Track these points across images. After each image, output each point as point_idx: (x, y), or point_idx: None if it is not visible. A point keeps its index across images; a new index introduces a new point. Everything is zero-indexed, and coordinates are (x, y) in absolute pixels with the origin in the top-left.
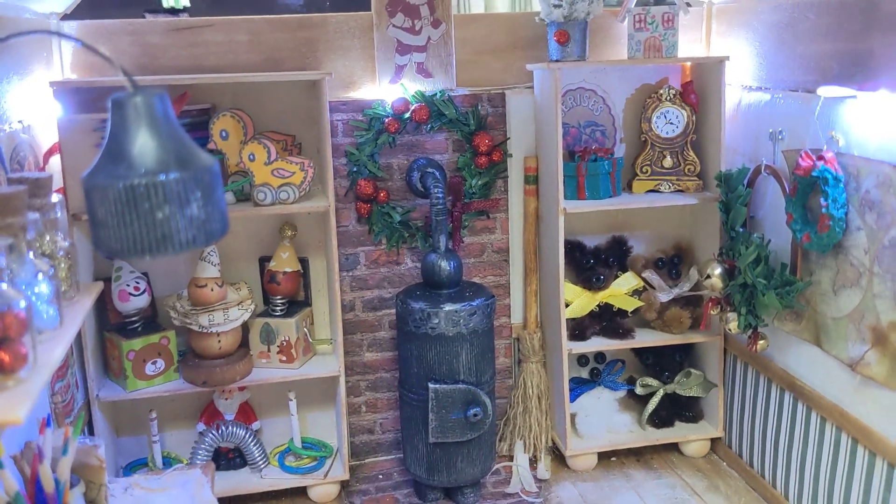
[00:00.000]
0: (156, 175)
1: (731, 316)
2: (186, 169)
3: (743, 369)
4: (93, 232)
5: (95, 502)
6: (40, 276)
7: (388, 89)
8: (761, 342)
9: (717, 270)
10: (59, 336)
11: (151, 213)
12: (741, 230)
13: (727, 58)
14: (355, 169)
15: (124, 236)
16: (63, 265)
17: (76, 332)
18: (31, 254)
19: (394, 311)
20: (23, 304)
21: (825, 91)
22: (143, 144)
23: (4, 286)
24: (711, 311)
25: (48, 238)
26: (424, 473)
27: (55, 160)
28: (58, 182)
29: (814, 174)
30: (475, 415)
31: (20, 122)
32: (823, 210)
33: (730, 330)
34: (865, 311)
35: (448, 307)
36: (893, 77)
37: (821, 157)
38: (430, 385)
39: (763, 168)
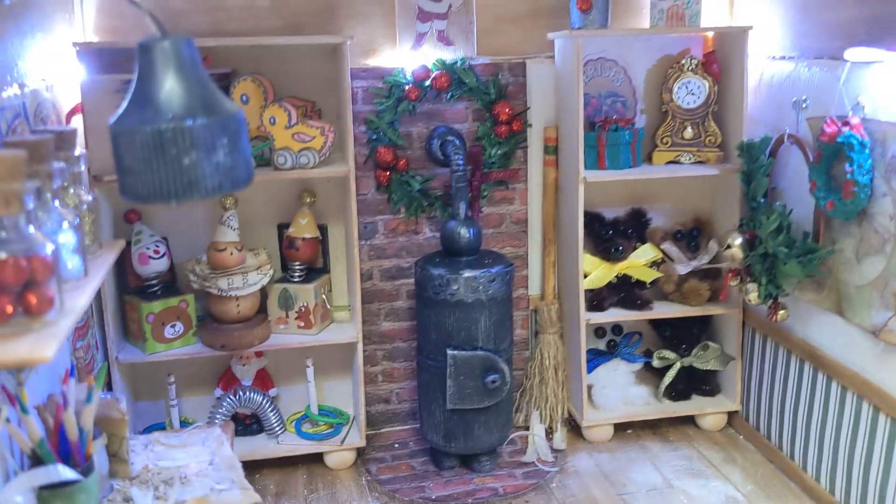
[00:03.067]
0: (183, 120)
1: (751, 286)
2: (213, 115)
3: (761, 341)
4: (119, 179)
5: (117, 455)
6: (65, 224)
7: (408, 57)
8: (781, 312)
9: (738, 240)
10: (83, 285)
11: (178, 158)
12: (762, 200)
13: (751, 27)
14: (375, 137)
15: (151, 182)
16: (87, 219)
17: (99, 283)
18: (56, 202)
19: (411, 280)
20: (49, 248)
21: (853, 54)
22: (171, 90)
23: (32, 230)
24: (731, 282)
25: (72, 191)
26: (441, 440)
27: (77, 120)
28: (80, 143)
29: (839, 140)
30: (493, 381)
31: (43, 80)
32: (848, 176)
33: (749, 301)
34: (890, 278)
35: (467, 273)
36: None
37: (846, 123)
38: (449, 351)
39: (786, 137)
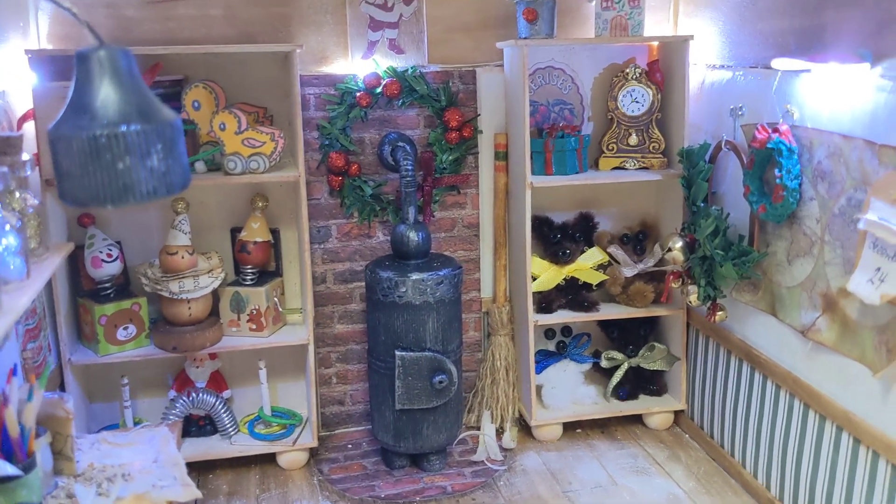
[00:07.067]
0: (117, 126)
1: (692, 288)
2: (148, 122)
3: (704, 342)
4: (58, 183)
5: (62, 453)
6: (7, 227)
7: (360, 65)
8: (720, 313)
9: (679, 244)
10: (25, 287)
11: (113, 163)
12: (702, 205)
13: (691, 37)
14: (327, 142)
15: (88, 186)
16: (33, 222)
17: (43, 284)
18: None
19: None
20: None
21: (780, 63)
22: (106, 97)
23: None
24: (672, 284)
25: (18, 195)
26: (391, 440)
27: (29, 126)
28: (32, 148)
29: (769, 146)
30: (441, 382)
31: None
32: (778, 181)
33: (690, 302)
34: (817, 279)
35: (415, 276)
36: (843, 50)
37: (776, 130)
38: (397, 353)
39: (723, 143)
